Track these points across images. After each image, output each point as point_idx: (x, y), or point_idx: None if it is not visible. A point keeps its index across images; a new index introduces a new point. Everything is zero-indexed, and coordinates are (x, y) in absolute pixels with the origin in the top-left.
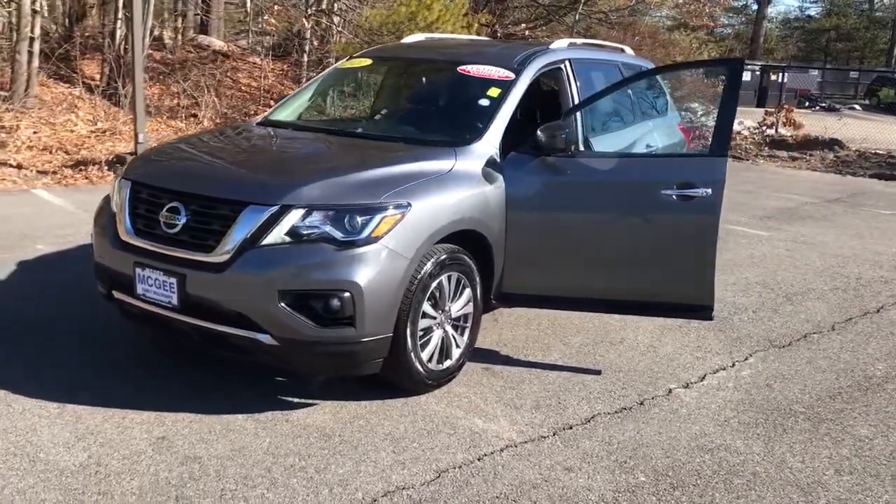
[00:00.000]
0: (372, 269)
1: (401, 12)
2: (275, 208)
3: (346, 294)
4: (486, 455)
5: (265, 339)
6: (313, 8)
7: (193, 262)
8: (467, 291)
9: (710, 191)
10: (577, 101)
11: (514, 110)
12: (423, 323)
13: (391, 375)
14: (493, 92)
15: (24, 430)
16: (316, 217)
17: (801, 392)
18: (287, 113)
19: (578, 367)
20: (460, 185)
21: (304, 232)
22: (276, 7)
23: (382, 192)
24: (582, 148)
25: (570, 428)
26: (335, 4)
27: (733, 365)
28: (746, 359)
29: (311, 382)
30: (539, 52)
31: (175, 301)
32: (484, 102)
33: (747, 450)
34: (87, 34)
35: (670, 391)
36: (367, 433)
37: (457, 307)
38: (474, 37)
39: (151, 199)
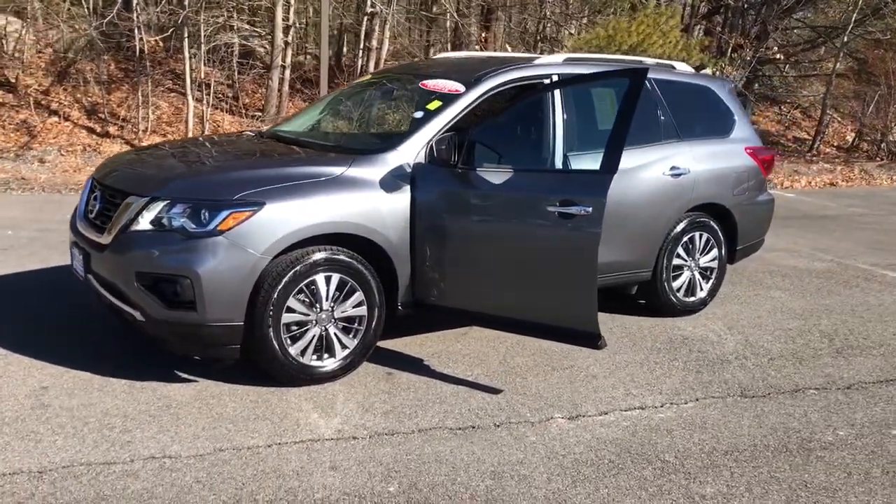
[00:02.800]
0: (213, 259)
1: (600, 35)
2: (145, 199)
3: (187, 280)
4: (278, 444)
5: (137, 314)
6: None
7: (93, 242)
8: (357, 295)
9: (590, 209)
10: (557, 115)
11: (453, 122)
12: (291, 317)
13: (261, 364)
14: (432, 105)
15: None
16: (177, 209)
17: (696, 444)
18: (289, 124)
19: (479, 383)
20: (343, 190)
21: (165, 222)
22: (483, 34)
23: (239, 190)
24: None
25: (390, 434)
26: (547, 29)
27: (661, 406)
28: (686, 402)
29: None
30: (508, 68)
31: (82, 274)
32: (418, 114)
33: (545, 485)
34: (341, 61)
35: (549, 419)
36: (200, 409)
37: (342, 309)
38: (506, 54)
39: (92, 190)
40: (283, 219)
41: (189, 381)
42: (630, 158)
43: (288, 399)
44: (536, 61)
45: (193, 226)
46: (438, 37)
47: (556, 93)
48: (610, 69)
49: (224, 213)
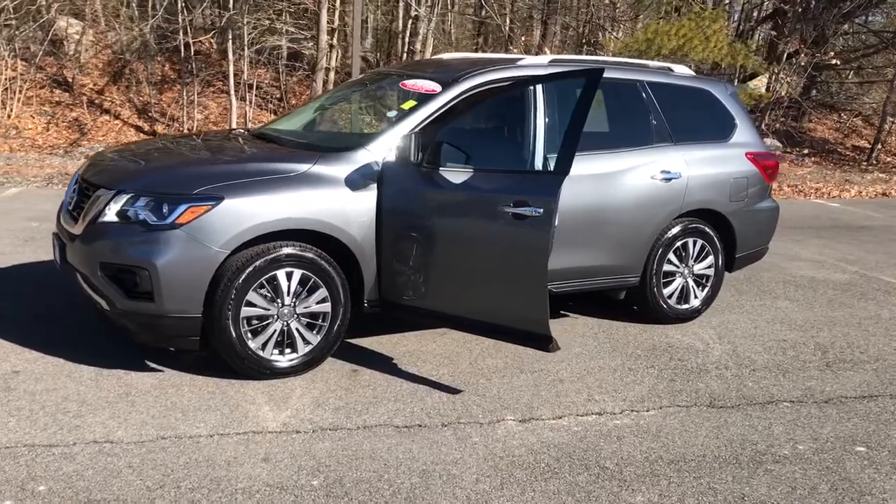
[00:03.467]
0: (170, 252)
1: (639, 39)
2: (112, 192)
3: (145, 271)
4: (220, 434)
5: (104, 303)
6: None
7: (68, 232)
8: (320, 291)
9: (541, 210)
10: (538, 116)
11: (427, 121)
12: (251, 311)
13: (222, 356)
14: (407, 105)
15: None
16: (141, 202)
17: (642, 452)
18: (279, 122)
19: (441, 383)
20: (307, 187)
21: (129, 214)
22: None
23: (199, 185)
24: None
25: (334, 430)
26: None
27: (620, 412)
28: (648, 410)
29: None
30: (489, 69)
31: (59, 263)
32: (391, 114)
33: (471, 486)
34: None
35: (500, 421)
36: (157, 397)
37: (305, 305)
38: (509, 55)
39: (77, 184)
40: (241, 214)
41: (156, 370)
42: (615, 161)
43: (245, 391)
44: (520, 62)
45: (154, 219)
46: (486, 40)
47: (536, 93)
48: (572, 69)
49: (182, 207)
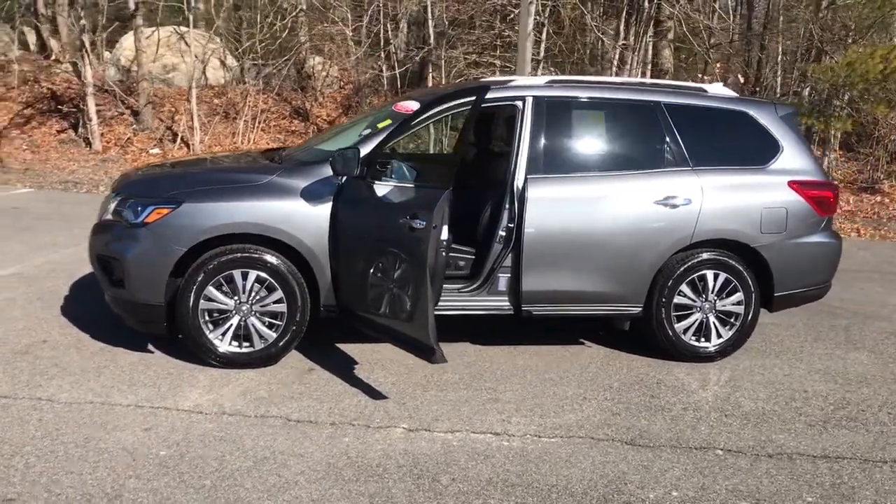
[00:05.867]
0: (137, 246)
1: (840, 63)
2: (114, 195)
3: (118, 262)
4: (135, 406)
5: (104, 290)
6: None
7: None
8: (277, 293)
9: (424, 223)
10: (523, 137)
11: (397, 139)
12: (210, 305)
13: (186, 341)
14: (382, 123)
15: None
16: (126, 204)
17: (493, 474)
18: (311, 142)
19: (375, 389)
20: (265, 196)
21: (120, 214)
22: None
23: (167, 191)
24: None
25: (232, 415)
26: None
27: (518, 435)
28: (552, 438)
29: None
30: (470, 90)
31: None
32: (365, 132)
33: (271, 478)
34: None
35: (389, 427)
36: (124, 371)
37: (263, 304)
38: (508, 77)
39: None
40: (197, 217)
41: (149, 351)
42: (611, 184)
43: (196, 376)
44: (511, 83)
45: (132, 218)
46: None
47: (519, 112)
48: (458, 88)
49: (150, 209)
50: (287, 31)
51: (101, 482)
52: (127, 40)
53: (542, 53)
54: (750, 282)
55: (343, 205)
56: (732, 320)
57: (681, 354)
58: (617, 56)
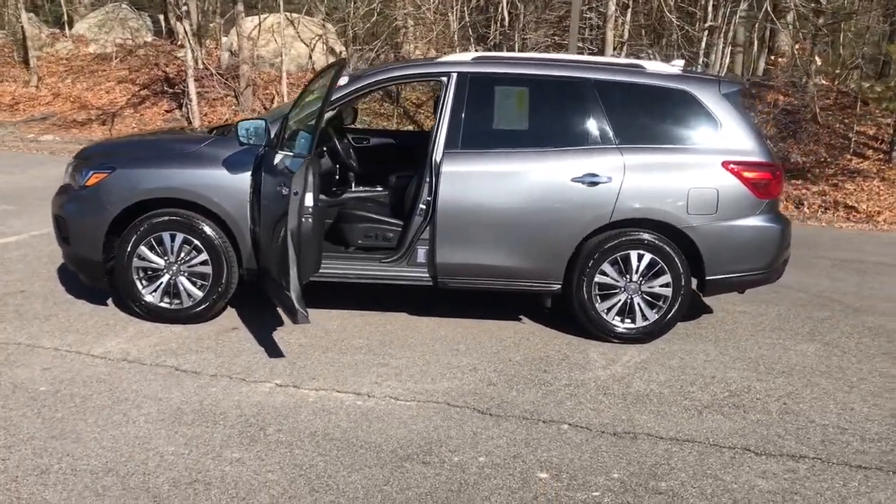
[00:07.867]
0: (78, 206)
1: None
2: (70, 160)
3: (64, 220)
4: (52, 349)
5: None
6: None
7: None
8: (203, 255)
9: (287, 190)
10: (445, 112)
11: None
12: (142, 263)
13: (121, 294)
14: (312, 97)
15: None
16: (78, 169)
17: (320, 429)
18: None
19: (278, 348)
20: (189, 164)
21: (74, 178)
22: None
23: (105, 158)
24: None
25: (122, 360)
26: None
27: (377, 396)
28: (408, 401)
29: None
30: (397, 66)
31: None
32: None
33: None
34: None
35: (262, 382)
36: (85, 323)
37: (190, 265)
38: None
39: None
40: (128, 181)
41: (104, 304)
42: (526, 161)
43: (127, 327)
44: (437, 60)
45: (79, 181)
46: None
47: (443, 88)
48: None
49: (90, 173)
50: (378, 14)
51: None
52: (243, 25)
53: (625, 35)
54: (679, 264)
55: (258, 174)
56: (660, 303)
57: (604, 334)
58: (704, 38)
